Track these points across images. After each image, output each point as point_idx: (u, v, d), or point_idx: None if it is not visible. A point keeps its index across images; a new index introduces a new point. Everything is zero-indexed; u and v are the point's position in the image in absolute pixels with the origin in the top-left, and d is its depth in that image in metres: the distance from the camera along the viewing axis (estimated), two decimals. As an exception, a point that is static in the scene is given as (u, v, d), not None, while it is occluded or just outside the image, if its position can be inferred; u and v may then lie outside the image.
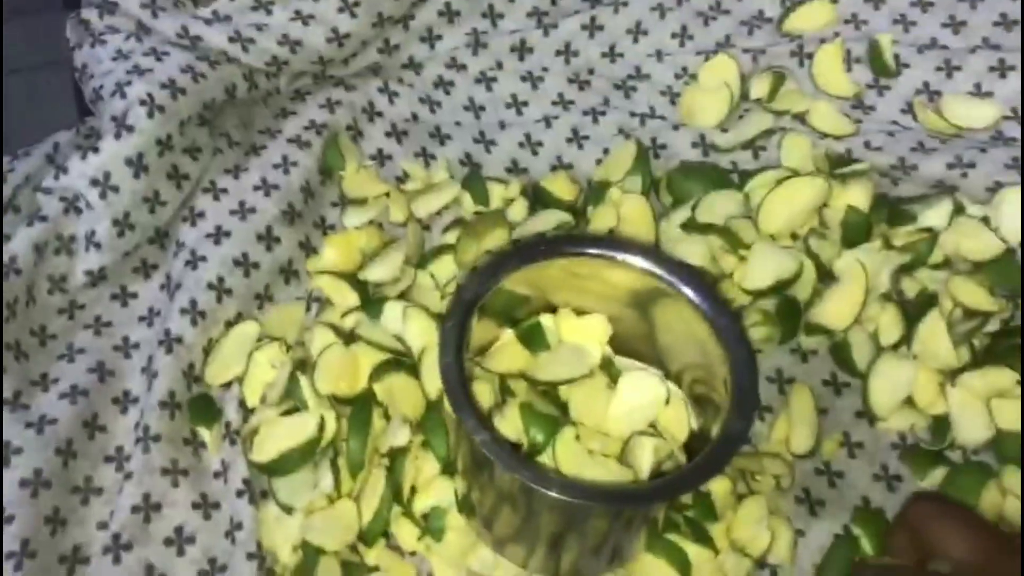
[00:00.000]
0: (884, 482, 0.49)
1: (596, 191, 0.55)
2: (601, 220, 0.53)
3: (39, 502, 0.45)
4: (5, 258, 0.49)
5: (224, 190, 0.55)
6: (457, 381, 0.41)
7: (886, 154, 0.55)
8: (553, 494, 0.39)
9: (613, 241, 0.47)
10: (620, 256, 0.45)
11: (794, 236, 0.53)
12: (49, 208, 0.51)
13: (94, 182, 0.50)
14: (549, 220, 0.54)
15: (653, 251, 0.46)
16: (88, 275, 0.51)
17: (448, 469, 0.47)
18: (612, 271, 0.45)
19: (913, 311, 0.50)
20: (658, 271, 0.45)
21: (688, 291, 0.44)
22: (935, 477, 0.48)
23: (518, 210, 0.55)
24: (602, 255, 0.45)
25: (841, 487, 0.49)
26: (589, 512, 0.41)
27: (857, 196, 0.52)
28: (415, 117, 0.60)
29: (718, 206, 0.53)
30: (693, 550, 0.46)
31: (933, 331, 0.49)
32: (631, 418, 0.45)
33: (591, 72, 0.62)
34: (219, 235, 0.52)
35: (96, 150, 0.50)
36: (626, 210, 0.53)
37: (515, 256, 0.45)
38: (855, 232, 0.52)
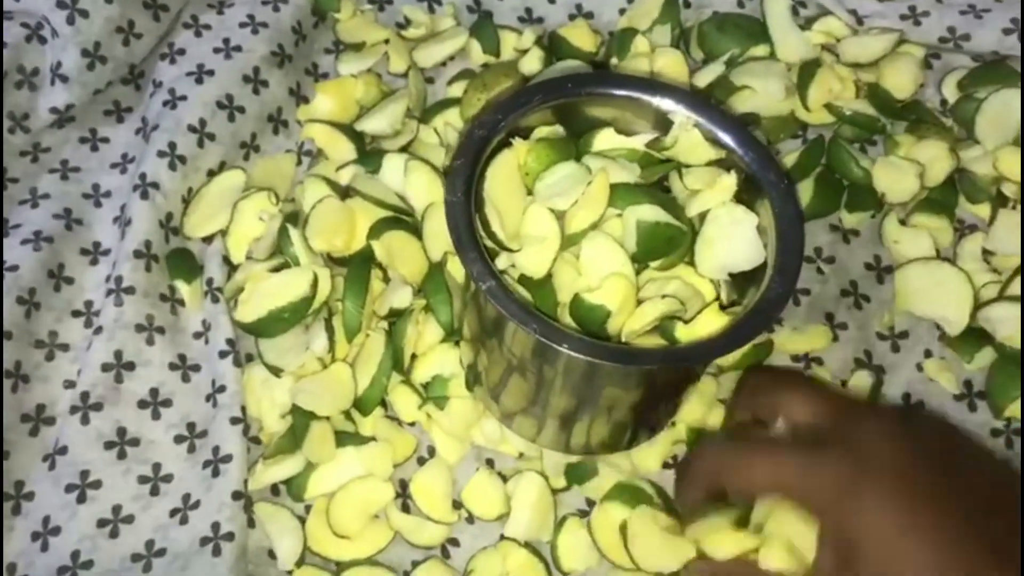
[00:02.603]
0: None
1: (621, 41, 0.50)
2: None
3: (-3, 354, 0.40)
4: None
5: (207, 26, 0.49)
6: (465, 223, 0.36)
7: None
8: (564, 349, 0.34)
9: (646, 82, 0.41)
10: (652, 99, 0.40)
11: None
12: (9, 34, 0.45)
13: (60, 4, 0.44)
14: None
15: (690, 95, 0.40)
16: (53, 112, 0.46)
17: (451, 336, 0.43)
18: (641, 116, 0.40)
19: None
20: (695, 118, 0.40)
21: (730, 141, 0.39)
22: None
23: (532, 61, 0.50)
24: (632, 97, 0.40)
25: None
26: (601, 374, 0.37)
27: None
28: (418, -42, 0.54)
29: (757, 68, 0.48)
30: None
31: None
32: None
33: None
34: (201, 74, 0.47)
35: (62, -34, 0.44)
36: (660, 64, 0.48)
37: (535, 93, 0.40)
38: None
